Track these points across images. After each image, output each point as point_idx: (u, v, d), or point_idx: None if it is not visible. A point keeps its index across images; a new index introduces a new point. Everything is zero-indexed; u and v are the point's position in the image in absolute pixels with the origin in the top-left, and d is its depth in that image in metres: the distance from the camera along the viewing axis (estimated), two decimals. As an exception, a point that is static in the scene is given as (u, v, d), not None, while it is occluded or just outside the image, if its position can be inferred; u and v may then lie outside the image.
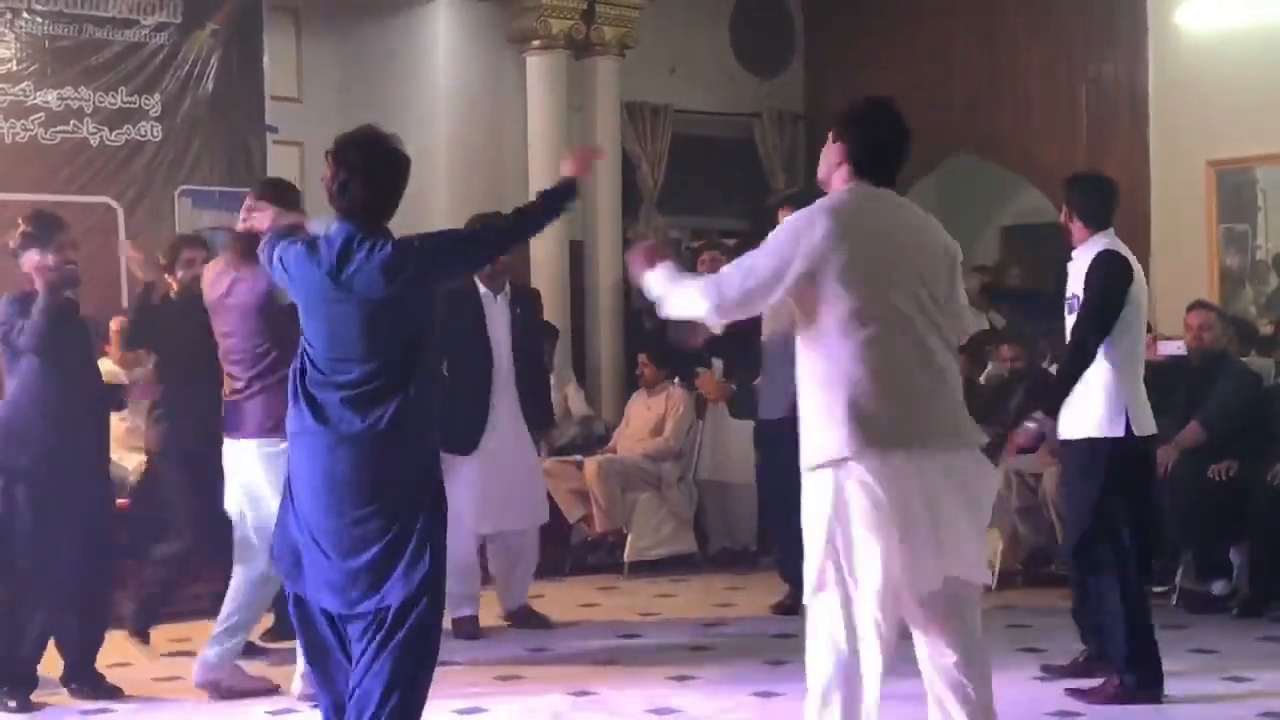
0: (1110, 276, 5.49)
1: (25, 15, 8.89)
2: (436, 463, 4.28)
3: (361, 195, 4.17)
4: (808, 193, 11.95)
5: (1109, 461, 5.46)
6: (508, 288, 7.21)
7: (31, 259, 5.76)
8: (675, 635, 7.05)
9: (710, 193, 11.61)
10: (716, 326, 4.80)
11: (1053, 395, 5.62)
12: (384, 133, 4.28)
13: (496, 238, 4.58)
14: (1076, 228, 5.64)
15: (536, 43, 10.09)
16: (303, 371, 4.24)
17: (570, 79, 10.25)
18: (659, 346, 8.98)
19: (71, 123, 9.04)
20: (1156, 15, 10.03)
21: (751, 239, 11.65)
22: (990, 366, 8.96)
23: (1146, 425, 5.55)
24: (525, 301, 7.41)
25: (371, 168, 4.19)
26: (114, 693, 5.93)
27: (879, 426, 3.78)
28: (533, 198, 4.59)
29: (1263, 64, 9.45)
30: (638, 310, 10.72)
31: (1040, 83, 10.70)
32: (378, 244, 4.15)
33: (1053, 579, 7.98)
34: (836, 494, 3.79)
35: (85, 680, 5.94)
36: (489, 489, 7.01)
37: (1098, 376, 5.46)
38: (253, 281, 5.66)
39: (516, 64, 10.23)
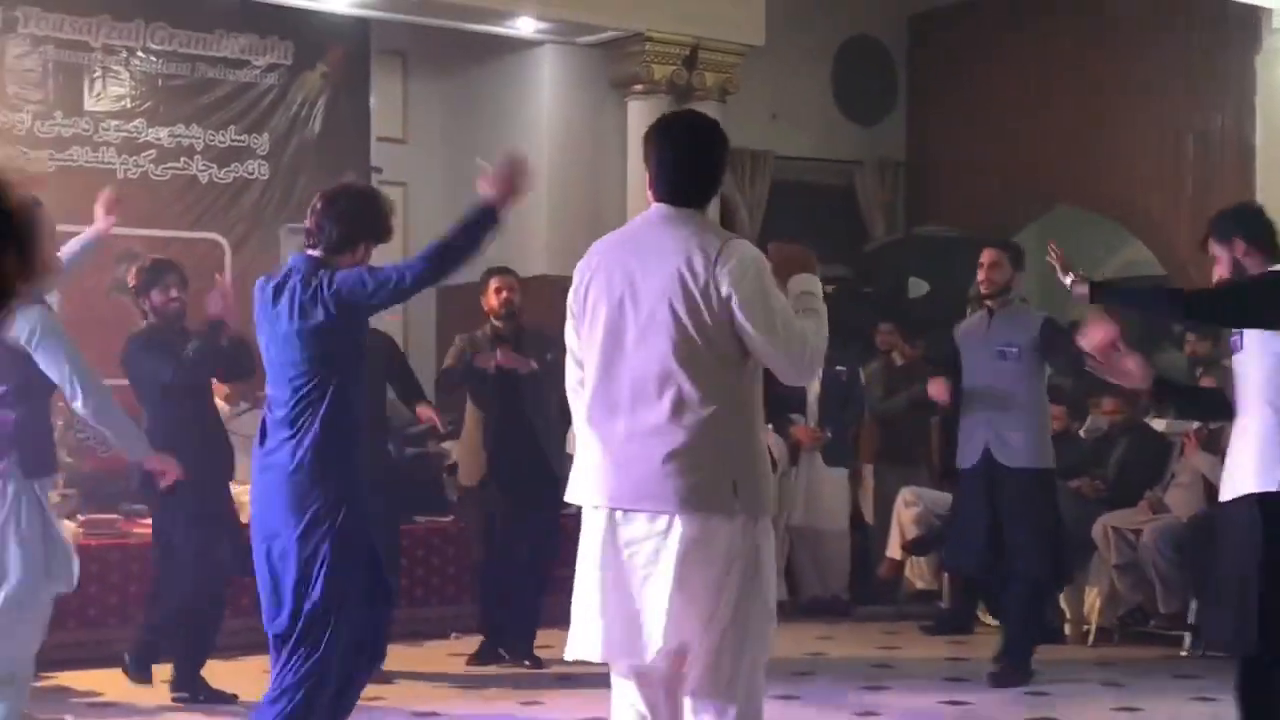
0: (1273, 282, 4.58)
1: (140, 54, 9.10)
2: (346, 498, 4.35)
3: (330, 231, 4.39)
4: (906, 240, 11.83)
5: (1266, 521, 4.51)
6: None
7: (151, 298, 6.30)
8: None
9: (809, 238, 11.54)
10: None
11: (1112, 289, 4.90)
12: (371, 188, 4.59)
13: (410, 278, 4.43)
14: (1252, 262, 4.65)
15: (639, 87, 10.16)
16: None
17: (671, 124, 10.29)
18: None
19: (182, 160, 9.23)
20: (1265, 68, 9.91)
21: (850, 285, 11.57)
22: (1090, 420, 8.86)
23: None
24: None
25: (346, 210, 4.44)
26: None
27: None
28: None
29: (1375, 119, 9.31)
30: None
31: (1145, 134, 10.60)
32: (323, 275, 4.34)
33: (1151, 637, 7.85)
34: None
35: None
36: None
37: (1255, 424, 4.58)
38: None
39: (618, 108, 10.31)
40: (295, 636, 4.29)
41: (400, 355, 7.41)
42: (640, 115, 10.21)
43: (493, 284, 7.23)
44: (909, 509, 8.88)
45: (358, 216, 4.45)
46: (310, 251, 4.42)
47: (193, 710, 6.11)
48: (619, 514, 3.64)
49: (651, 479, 3.60)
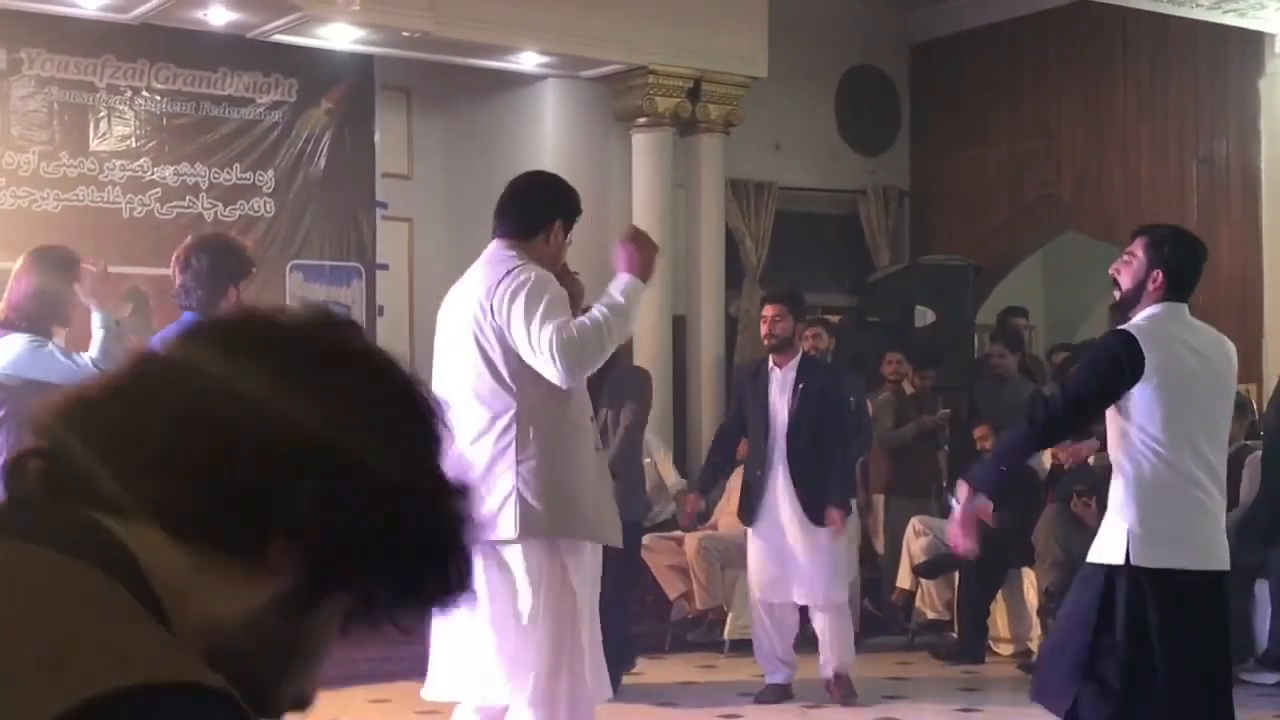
0: (1102, 359, 4.36)
1: (145, 94, 9.12)
2: None
3: (196, 291, 4.62)
4: (912, 269, 11.82)
5: (1102, 592, 4.27)
6: (796, 360, 7.23)
7: None
8: (775, 715, 6.98)
9: (814, 269, 11.61)
10: None
11: (979, 467, 4.55)
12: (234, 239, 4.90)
13: None
14: (1154, 294, 4.35)
15: (642, 120, 10.18)
16: None
17: (675, 156, 10.33)
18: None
19: (187, 198, 9.24)
20: (1269, 93, 9.92)
21: (856, 315, 11.55)
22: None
23: (1165, 556, 4.25)
24: (815, 374, 7.32)
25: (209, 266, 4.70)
26: None
27: None
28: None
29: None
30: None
31: (1150, 161, 10.60)
32: None
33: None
34: None
35: None
36: (759, 560, 7.22)
37: (1113, 492, 4.37)
38: None
39: (622, 141, 10.32)
40: None
41: None
42: (645, 148, 10.24)
43: None
44: (919, 539, 8.86)
45: (216, 268, 4.74)
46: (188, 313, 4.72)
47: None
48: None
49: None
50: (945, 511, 9.27)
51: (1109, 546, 4.28)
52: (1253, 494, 7.74)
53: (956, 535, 4.38)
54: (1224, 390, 4.44)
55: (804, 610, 7.50)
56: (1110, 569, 4.26)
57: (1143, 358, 4.20)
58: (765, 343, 7.26)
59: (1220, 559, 4.31)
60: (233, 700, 0.89)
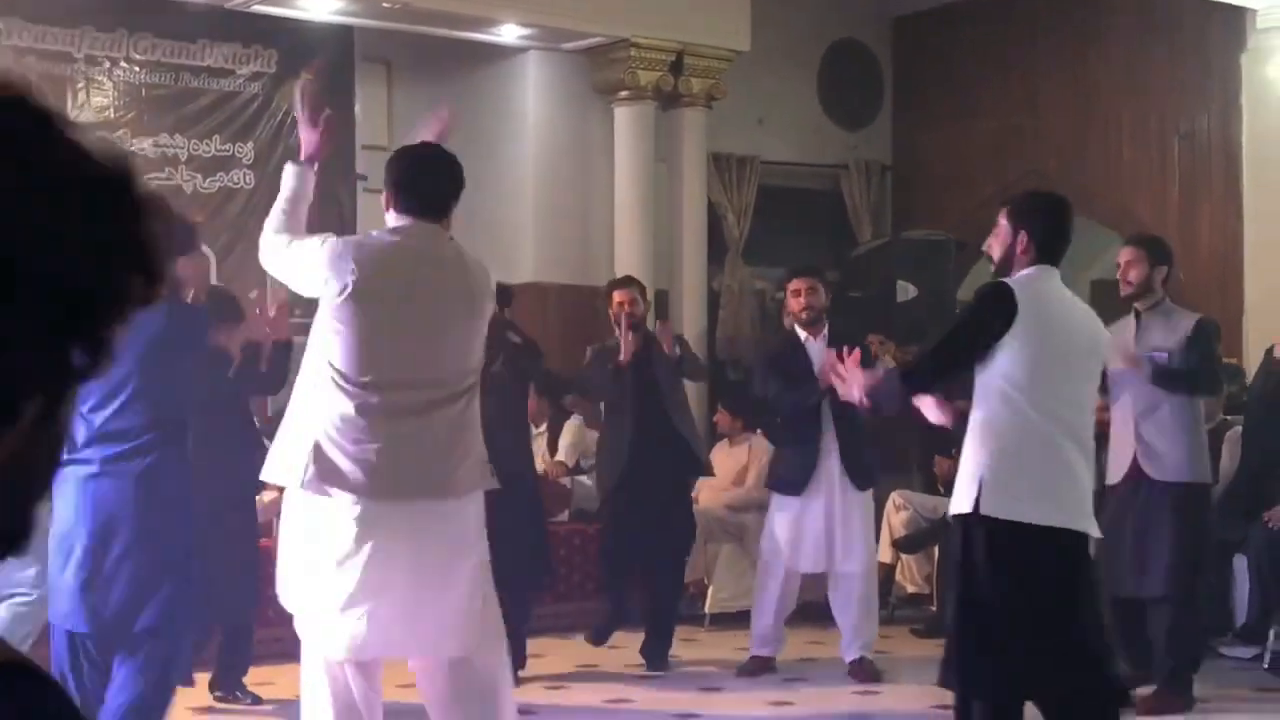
0: (974, 307, 4.49)
1: (123, 64, 9.06)
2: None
3: None
4: (893, 244, 11.85)
5: (961, 545, 4.31)
6: (826, 330, 7.20)
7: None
8: (756, 689, 6.99)
9: (797, 243, 11.58)
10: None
11: (874, 392, 4.59)
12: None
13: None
14: (1024, 260, 4.38)
15: (624, 94, 10.14)
16: None
17: (657, 130, 10.30)
18: (740, 397, 8.95)
19: (166, 170, 9.19)
20: (1250, 69, 9.92)
21: (839, 289, 11.56)
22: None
23: (1015, 508, 4.20)
24: (847, 344, 7.29)
25: None
26: None
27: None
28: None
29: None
30: (722, 361, 10.71)
31: (1132, 137, 10.60)
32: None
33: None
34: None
35: None
36: (798, 530, 7.17)
37: (967, 443, 4.37)
38: None
39: (604, 114, 10.29)
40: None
41: None
42: (626, 122, 10.20)
43: (615, 296, 7.47)
44: (899, 513, 8.88)
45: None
46: None
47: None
48: (412, 505, 4.06)
49: (452, 468, 4.10)
50: (926, 486, 9.30)
51: (960, 496, 4.26)
52: (1233, 469, 7.76)
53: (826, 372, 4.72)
54: (1092, 360, 4.44)
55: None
56: (964, 520, 4.24)
57: (1015, 305, 4.21)
58: (803, 315, 7.17)
59: (1078, 519, 4.23)
60: (25, 671, 0.86)
